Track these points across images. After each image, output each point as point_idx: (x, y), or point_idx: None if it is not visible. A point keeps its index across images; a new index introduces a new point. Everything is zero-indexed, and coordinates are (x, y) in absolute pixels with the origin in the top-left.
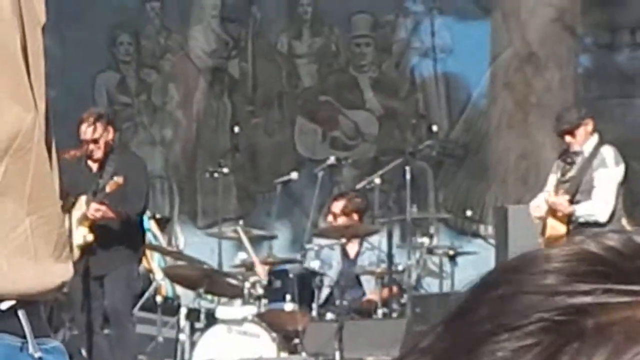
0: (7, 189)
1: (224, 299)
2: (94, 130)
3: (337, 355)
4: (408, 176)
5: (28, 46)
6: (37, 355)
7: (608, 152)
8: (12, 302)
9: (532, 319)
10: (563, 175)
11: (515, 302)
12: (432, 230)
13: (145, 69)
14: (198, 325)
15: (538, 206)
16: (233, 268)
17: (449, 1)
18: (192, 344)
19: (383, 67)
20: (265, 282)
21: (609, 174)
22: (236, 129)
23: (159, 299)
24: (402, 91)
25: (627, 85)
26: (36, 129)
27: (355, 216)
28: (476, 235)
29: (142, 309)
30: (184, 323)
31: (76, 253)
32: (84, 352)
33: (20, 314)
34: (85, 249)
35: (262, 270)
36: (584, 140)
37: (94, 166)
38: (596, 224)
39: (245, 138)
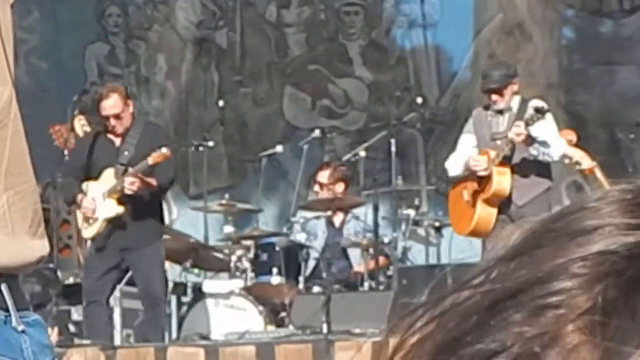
0: None
1: (210, 273)
2: (115, 105)
3: (324, 327)
4: (393, 148)
5: (0, 23)
6: (20, 328)
7: (539, 104)
8: None
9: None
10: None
11: (586, 238)
12: (417, 201)
13: (134, 40)
14: (185, 299)
15: (476, 160)
16: (219, 241)
17: None
18: (179, 318)
19: (372, 35)
20: (252, 255)
21: (547, 122)
22: (221, 103)
23: None
24: (392, 59)
25: (612, 53)
26: (13, 104)
27: (341, 185)
28: None
29: (128, 283)
30: (170, 297)
31: (102, 226)
32: (71, 327)
33: (3, 288)
34: (114, 221)
35: None
36: (510, 99)
37: (116, 140)
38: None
39: (233, 109)
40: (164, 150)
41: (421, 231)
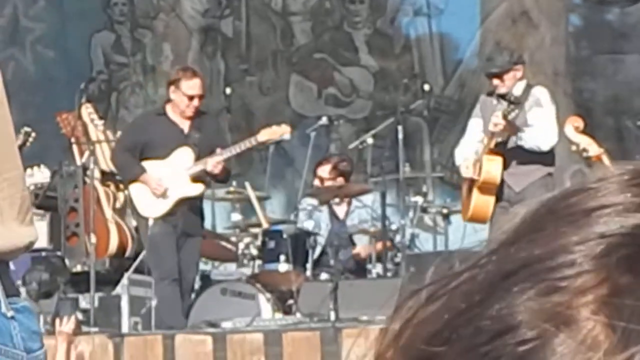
0: None
1: (218, 263)
2: (202, 86)
3: (332, 315)
4: (400, 135)
5: None
6: (9, 314)
7: (541, 91)
8: None
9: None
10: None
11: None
12: (425, 189)
13: (140, 29)
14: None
15: (467, 168)
16: (227, 229)
17: None
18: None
19: (377, 23)
20: (259, 242)
21: (545, 111)
22: (228, 90)
23: None
24: (397, 47)
25: (618, 41)
26: (1, 89)
27: (341, 180)
28: None
29: (136, 271)
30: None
31: (174, 205)
32: (79, 315)
33: None
34: (184, 202)
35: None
36: (512, 85)
37: (185, 124)
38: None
39: (239, 97)
40: (260, 137)
41: (429, 218)
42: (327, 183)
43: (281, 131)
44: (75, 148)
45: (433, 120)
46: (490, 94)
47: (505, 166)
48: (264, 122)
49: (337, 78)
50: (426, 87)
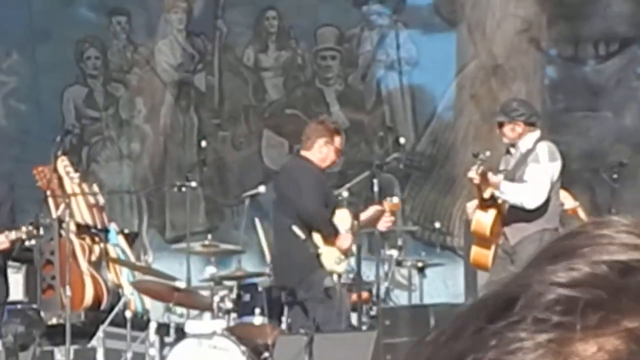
0: None
1: (193, 313)
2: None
3: None
4: (376, 188)
5: None
6: None
7: (542, 148)
8: None
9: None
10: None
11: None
12: (400, 242)
13: (113, 83)
14: (168, 339)
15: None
16: (202, 282)
17: (414, 14)
18: (162, 359)
19: (349, 79)
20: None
21: (540, 168)
22: (203, 143)
23: (128, 313)
24: (368, 104)
25: (592, 98)
26: None
27: None
28: (444, 247)
29: (112, 324)
30: (153, 338)
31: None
32: None
33: None
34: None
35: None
36: (514, 138)
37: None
38: (524, 218)
39: (212, 152)
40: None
41: (404, 272)
42: None
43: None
44: (50, 201)
45: (405, 176)
46: (507, 152)
47: (504, 219)
48: (236, 176)
49: None
50: (401, 140)
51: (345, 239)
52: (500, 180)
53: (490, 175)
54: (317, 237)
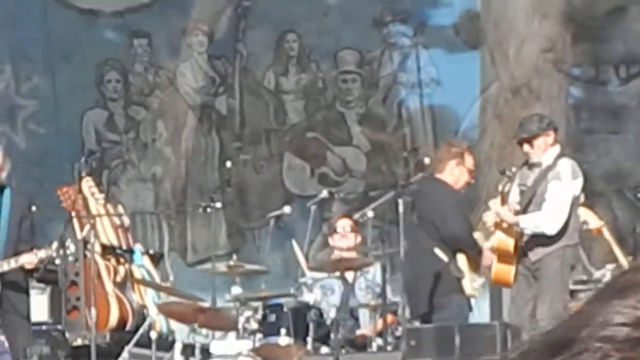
0: None
1: (218, 334)
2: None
3: None
4: (401, 209)
5: None
6: None
7: (564, 165)
8: None
9: None
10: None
11: None
12: None
13: (134, 106)
14: None
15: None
16: (227, 303)
17: (436, 35)
18: None
19: (370, 102)
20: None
21: (561, 186)
22: (228, 164)
23: (153, 334)
24: (390, 126)
25: (611, 121)
26: None
27: (358, 237)
28: None
29: (137, 345)
30: (179, 358)
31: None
32: None
33: None
34: None
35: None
36: (543, 151)
37: None
38: (545, 237)
39: (233, 174)
40: None
41: None
42: (350, 235)
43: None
44: (75, 222)
45: None
46: (525, 163)
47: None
48: (257, 200)
49: (330, 157)
50: (426, 160)
51: (487, 256)
52: (519, 219)
53: (505, 213)
54: (461, 260)
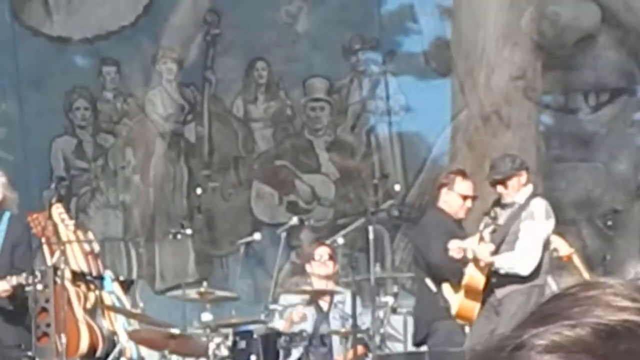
0: None
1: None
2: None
3: None
4: (371, 236)
5: None
6: None
7: (538, 205)
8: None
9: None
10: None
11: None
12: (395, 289)
13: (102, 134)
14: None
15: (460, 248)
16: (197, 329)
17: (406, 63)
18: None
19: (338, 130)
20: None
21: (535, 227)
22: (199, 190)
23: None
24: (358, 153)
25: (581, 148)
26: None
27: (335, 265)
28: None
29: None
30: None
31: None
32: None
33: None
34: None
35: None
36: (517, 191)
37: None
38: (517, 277)
39: (203, 201)
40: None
41: (399, 319)
42: (328, 264)
43: None
44: (45, 248)
45: (394, 227)
46: (497, 202)
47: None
48: (226, 227)
49: (298, 185)
50: (397, 187)
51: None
52: (493, 260)
53: (481, 252)
54: (446, 289)
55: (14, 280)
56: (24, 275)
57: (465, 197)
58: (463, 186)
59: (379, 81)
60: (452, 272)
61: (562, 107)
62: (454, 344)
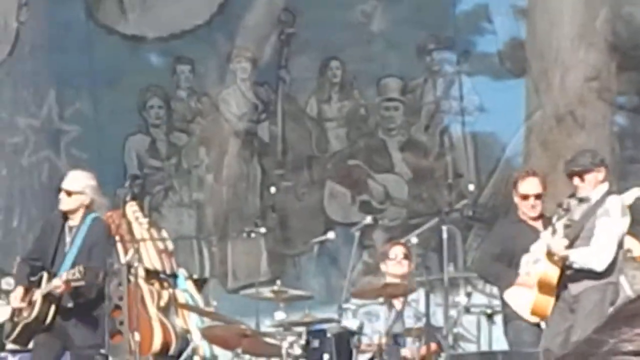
0: None
1: (261, 359)
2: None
3: None
4: (445, 235)
5: None
6: None
7: (614, 202)
8: None
9: None
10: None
11: None
12: (469, 289)
13: (176, 132)
14: None
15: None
16: (270, 328)
17: (480, 63)
18: None
19: (412, 130)
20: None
21: (610, 223)
22: (272, 189)
23: (196, 359)
24: (432, 154)
25: None
26: None
27: (410, 264)
28: None
29: None
30: None
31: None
32: None
33: None
34: None
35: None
36: (593, 187)
37: (537, 224)
38: (592, 272)
39: (276, 200)
40: None
41: (473, 318)
42: (404, 262)
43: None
44: (119, 246)
45: (467, 228)
46: (571, 196)
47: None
48: (298, 227)
49: (371, 185)
50: (470, 187)
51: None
52: (569, 253)
53: (556, 246)
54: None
55: (64, 276)
56: (71, 271)
57: (525, 197)
58: (525, 187)
59: (453, 81)
60: (486, 274)
61: (636, 107)
62: (523, 343)
